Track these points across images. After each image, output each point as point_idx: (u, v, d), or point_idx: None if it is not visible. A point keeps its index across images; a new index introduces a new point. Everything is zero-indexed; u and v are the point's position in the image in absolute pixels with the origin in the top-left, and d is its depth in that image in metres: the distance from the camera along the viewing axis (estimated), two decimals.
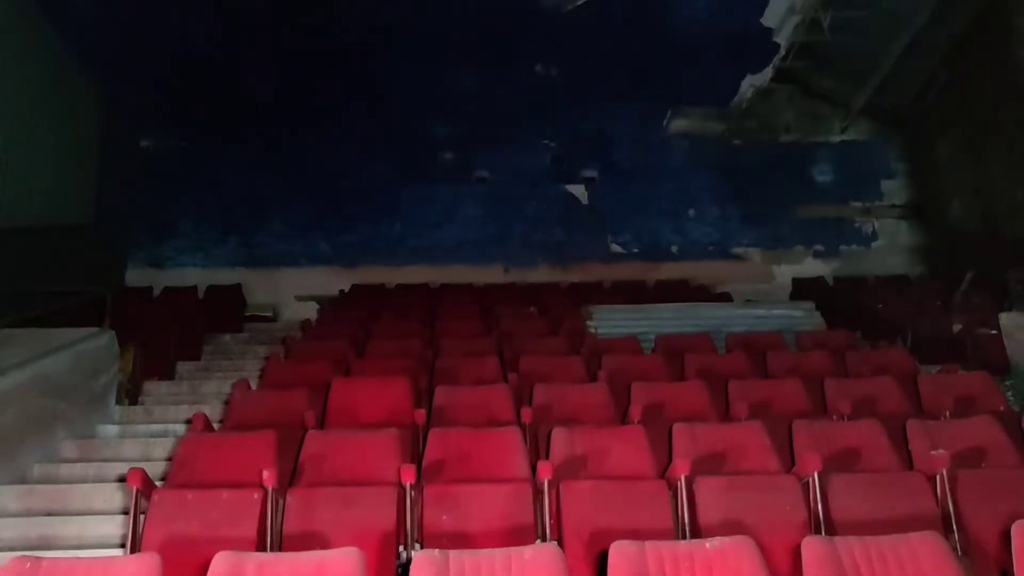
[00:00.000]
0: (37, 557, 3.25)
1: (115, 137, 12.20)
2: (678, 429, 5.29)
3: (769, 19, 10.99)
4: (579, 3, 10.06)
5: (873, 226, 13.49)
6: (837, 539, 3.51)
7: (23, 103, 9.48)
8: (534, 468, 4.75)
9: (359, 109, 12.61)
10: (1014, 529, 3.54)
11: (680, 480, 4.45)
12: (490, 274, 13.15)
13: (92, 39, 10.64)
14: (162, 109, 12.72)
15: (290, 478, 4.79)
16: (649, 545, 3.42)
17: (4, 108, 8.91)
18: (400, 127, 13.10)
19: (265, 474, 4.20)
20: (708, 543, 3.46)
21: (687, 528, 4.38)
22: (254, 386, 6.67)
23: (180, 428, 6.57)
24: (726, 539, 3.48)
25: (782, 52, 11.74)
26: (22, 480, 5.60)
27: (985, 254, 10.60)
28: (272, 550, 4.16)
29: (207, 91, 12.02)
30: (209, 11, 10.22)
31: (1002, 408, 6.19)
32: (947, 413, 5.78)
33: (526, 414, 5.61)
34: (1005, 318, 7.86)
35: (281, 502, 4.32)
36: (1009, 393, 6.99)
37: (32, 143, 9.77)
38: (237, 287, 12.24)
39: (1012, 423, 5.46)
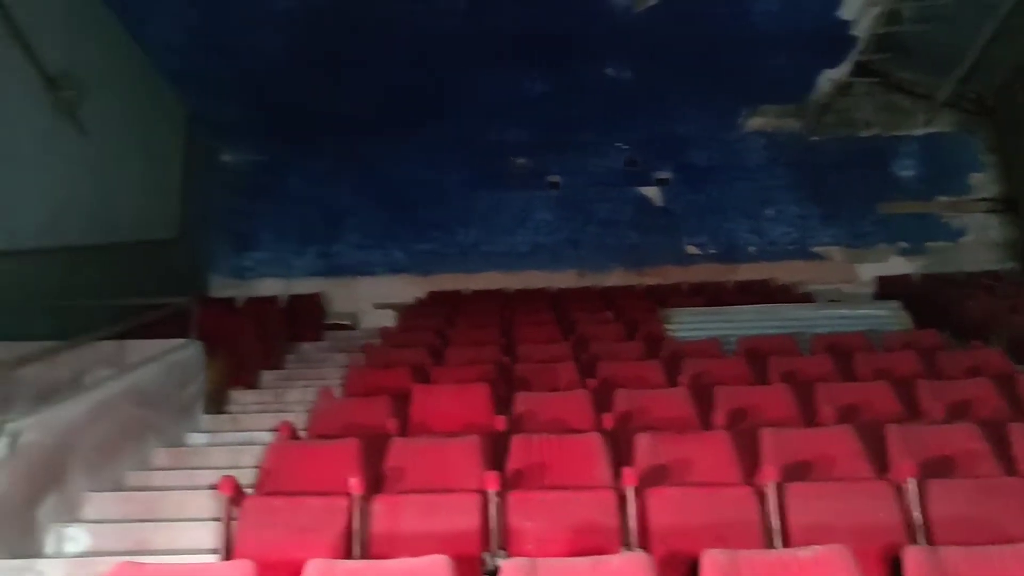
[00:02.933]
0: (141, 563, 3.35)
1: (198, 153, 12.60)
2: (765, 434, 5.18)
3: (847, 12, 10.69)
4: (651, 4, 9.96)
5: (961, 221, 13.02)
6: (940, 549, 3.39)
7: (113, 123, 9.83)
8: (617, 475, 4.72)
9: (432, 117, 12.73)
10: None
11: (768, 487, 4.35)
12: (564, 278, 13.12)
13: (175, 59, 11.01)
14: (241, 124, 13.06)
15: (375, 485, 4.84)
16: (742, 554, 3.35)
17: (95, 129, 9.24)
18: (472, 134, 13.20)
19: (352, 481, 4.26)
20: (802, 552, 3.38)
21: (777, 536, 4.27)
22: (336, 394, 6.77)
23: (266, 436, 6.68)
24: (821, 548, 3.39)
25: (860, 45, 11.41)
26: (118, 487, 5.77)
27: None
28: (359, 557, 4.21)
29: (283, 106, 12.30)
30: (284, 30, 10.44)
31: None
32: None
33: (607, 420, 5.56)
34: None
35: (367, 509, 4.37)
36: None
37: (122, 162, 10.14)
38: (317, 296, 12.45)
39: None
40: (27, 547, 4.74)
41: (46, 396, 5.94)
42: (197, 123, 12.49)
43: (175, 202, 11.87)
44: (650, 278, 12.99)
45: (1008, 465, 4.92)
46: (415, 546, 4.18)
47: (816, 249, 13.15)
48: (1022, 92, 11.80)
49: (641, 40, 10.72)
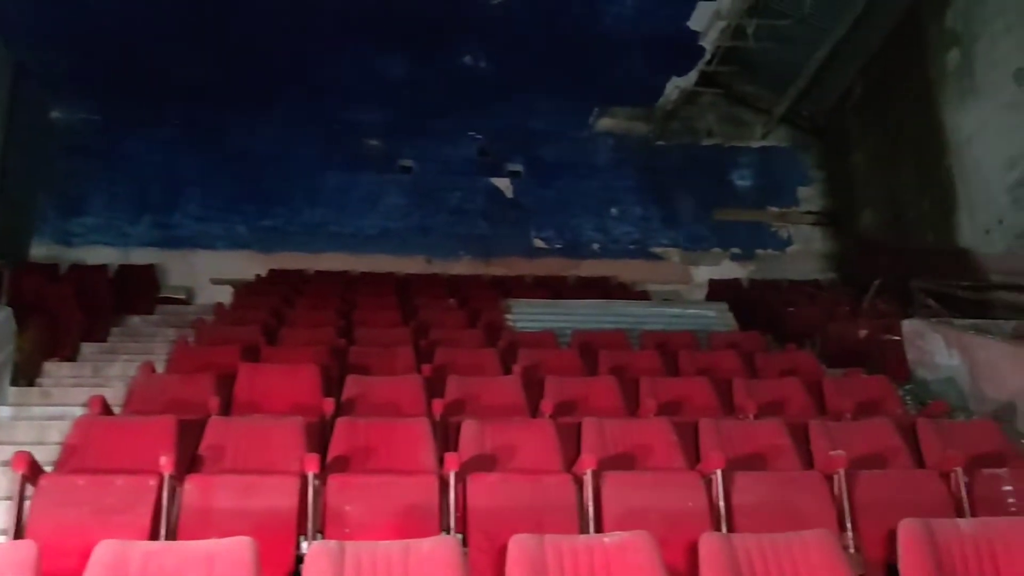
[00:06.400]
0: None
1: (23, 105, 11.64)
2: (587, 424, 5.33)
3: (696, 23, 11.14)
4: None
5: (788, 231, 13.81)
6: (734, 536, 3.59)
7: None
8: (442, 460, 4.74)
9: (286, 91, 12.36)
10: (900, 527, 3.67)
11: (586, 475, 4.48)
12: (412, 264, 13.01)
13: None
14: (76, 79, 12.19)
15: (191, 465, 4.65)
16: (548, 539, 3.43)
17: None
18: (325, 111, 12.88)
19: (163, 460, 4.07)
20: (607, 538, 3.50)
21: (592, 523, 4.41)
22: (160, 370, 6.47)
23: (78, 411, 6.27)
24: (625, 534, 3.52)
25: (707, 56, 11.92)
26: None
27: (892, 263, 10.95)
28: (167, 539, 4.03)
29: (125, 63, 11.57)
30: None
31: (899, 412, 6.43)
32: (848, 415, 5.95)
33: (437, 406, 5.56)
34: (907, 325, 8.11)
35: (178, 490, 4.20)
36: (908, 398, 7.24)
37: None
38: (150, 268, 11.85)
39: (907, 427, 5.65)
40: None
41: None
42: (24, 74, 11.55)
43: None
44: (497, 268, 13.08)
45: (807, 459, 5.27)
46: (227, 528, 4.03)
47: (656, 250, 13.62)
48: (846, 117, 12.67)
49: (498, 31, 10.78)
